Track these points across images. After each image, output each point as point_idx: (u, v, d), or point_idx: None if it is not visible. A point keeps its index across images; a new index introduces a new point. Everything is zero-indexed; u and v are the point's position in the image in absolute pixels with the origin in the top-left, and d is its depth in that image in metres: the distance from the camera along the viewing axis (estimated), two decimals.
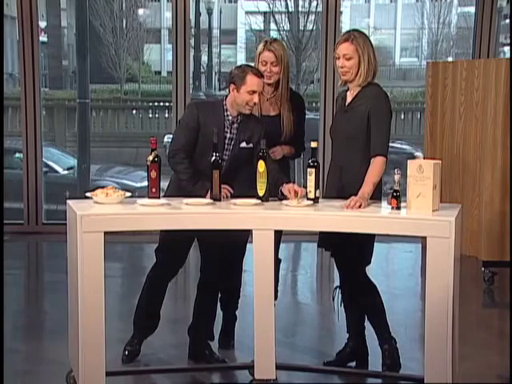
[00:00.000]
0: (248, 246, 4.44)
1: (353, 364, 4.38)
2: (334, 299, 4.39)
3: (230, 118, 4.19)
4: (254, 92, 4.08)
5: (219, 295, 4.57)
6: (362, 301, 4.26)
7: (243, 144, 4.21)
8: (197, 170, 4.13)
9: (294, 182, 4.12)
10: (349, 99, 4.16)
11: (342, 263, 4.27)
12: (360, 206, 3.83)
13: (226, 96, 4.22)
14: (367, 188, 3.93)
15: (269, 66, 4.37)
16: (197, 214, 3.87)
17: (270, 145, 4.16)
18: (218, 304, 4.58)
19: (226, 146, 4.20)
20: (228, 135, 4.20)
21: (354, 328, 4.37)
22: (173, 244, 4.24)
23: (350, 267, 4.22)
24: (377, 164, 3.99)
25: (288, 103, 4.43)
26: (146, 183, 4.18)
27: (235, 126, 4.21)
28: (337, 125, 4.25)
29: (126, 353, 4.40)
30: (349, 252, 4.11)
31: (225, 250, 4.37)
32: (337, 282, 4.39)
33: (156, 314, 4.45)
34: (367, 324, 4.34)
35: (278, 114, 4.44)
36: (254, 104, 4.13)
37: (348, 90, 4.18)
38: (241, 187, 4.17)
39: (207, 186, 4.04)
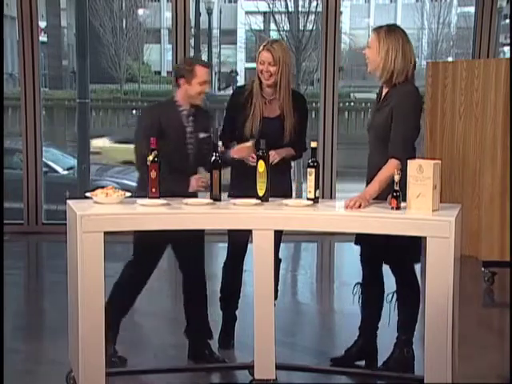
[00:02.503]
0: (248, 246, 4.44)
1: (361, 362, 4.35)
2: (354, 294, 4.35)
3: (185, 112, 4.25)
4: (204, 82, 4.18)
5: (219, 295, 4.58)
6: (405, 301, 4.19)
7: (202, 134, 4.26)
8: (171, 168, 4.10)
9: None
10: (382, 96, 4.11)
11: (367, 259, 4.23)
12: (360, 206, 3.83)
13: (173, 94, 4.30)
14: (371, 188, 3.91)
15: (266, 65, 4.38)
16: (197, 214, 3.87)
17: (271, 147, 4.16)
18: (218, 304, 4.59)
19: (188, 140, 4.24)
20: (188, 129, 4.25)
21: (368, 326, 4.33)
22: (146, 251, 4.22)
23: (398, 265, 4.16)
24: (388, 166, 3.91)
25: (289, 104, 4.42)
26: None
27: (191, 118, 4.26)
28: (371, 122, 4.19)
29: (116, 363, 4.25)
30: (395, 250, 4.04)
31: (200, 249, 4.35)
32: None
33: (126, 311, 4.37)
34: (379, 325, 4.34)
35: (278, 116, 4.44)
36: (205, 93, 4.23)
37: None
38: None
39: (183, 179, 4.11)
